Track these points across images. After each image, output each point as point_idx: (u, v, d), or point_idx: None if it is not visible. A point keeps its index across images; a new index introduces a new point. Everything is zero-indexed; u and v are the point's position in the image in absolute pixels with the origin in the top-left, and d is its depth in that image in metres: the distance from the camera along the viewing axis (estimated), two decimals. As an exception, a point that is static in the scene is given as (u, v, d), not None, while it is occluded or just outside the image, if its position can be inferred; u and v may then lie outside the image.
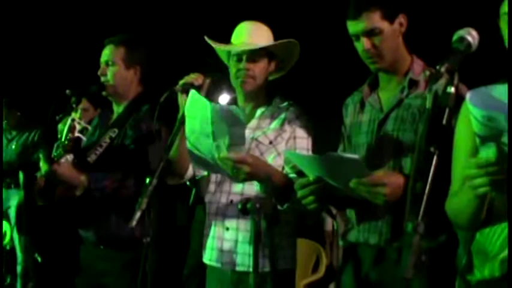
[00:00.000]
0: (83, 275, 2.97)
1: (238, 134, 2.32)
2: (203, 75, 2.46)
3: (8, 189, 5.41)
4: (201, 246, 2.69)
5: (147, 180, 2.19)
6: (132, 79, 2.95)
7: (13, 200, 5.42)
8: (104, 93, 2.94)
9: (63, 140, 2.70)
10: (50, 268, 3.86)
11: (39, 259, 6.25)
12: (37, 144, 5.29)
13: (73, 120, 2.72)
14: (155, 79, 3.03)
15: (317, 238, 4.78)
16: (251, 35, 2.57)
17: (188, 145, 2.38)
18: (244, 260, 2.47)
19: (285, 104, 2.60)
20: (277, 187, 2.34)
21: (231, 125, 2.30)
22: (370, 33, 2.11)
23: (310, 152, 2.46)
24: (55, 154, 2.69)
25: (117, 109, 2.99)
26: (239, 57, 2.54)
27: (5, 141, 5.42)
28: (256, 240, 1.96)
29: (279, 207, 2.33)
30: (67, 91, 2.87)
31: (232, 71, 2.58)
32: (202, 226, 4.29)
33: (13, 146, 5.50)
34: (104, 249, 2.88)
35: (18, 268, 5.42)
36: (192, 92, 2.34)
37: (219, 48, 2.63)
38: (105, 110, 3.12)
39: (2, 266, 3.39)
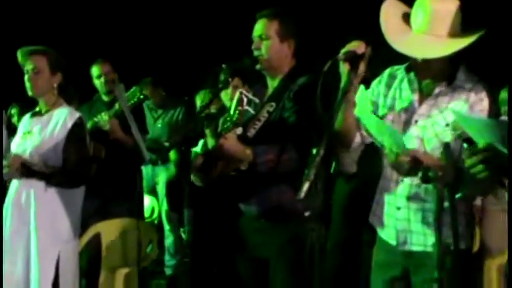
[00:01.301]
0: (243, 249, 3.02)
1: (398, 144, 2.26)
2: (365, 44, 2.38)
3: (154, 165, 5.65)
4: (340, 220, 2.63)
5: (314, 150, 2.17)
6: (287, 52, 2.93)
7: (160, 176, 5.65)
8: (257, 66, 2.94)
9: (231, 113, 2.71)
10: (208, 243, 3.95)
11: (183, 236, 6.49)
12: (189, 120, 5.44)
13: (241, 93, 2.72)
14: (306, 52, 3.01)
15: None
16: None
17: (357, 112, 2.34)
18: (419, 239, 2.40)
19: (469, 84, 2.35)
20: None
21: (390, 138, 2.25)
22: None
23: None
24: (224, 127, 2.70)
25: (272, 83, 2.99)
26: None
27: (151, 120, 5.64)
28: (439, 209, 1.89)
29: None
30: (223, 65, 2.91)
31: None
32: (342, 199, 4.32)
33: (159, 125, 5.71)
34: (266, 223, 2.89)
35: (166, 242, 5.68)
36: (361, 87, 2.32)
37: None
38: (257, 85, 3.13)
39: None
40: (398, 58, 2.44)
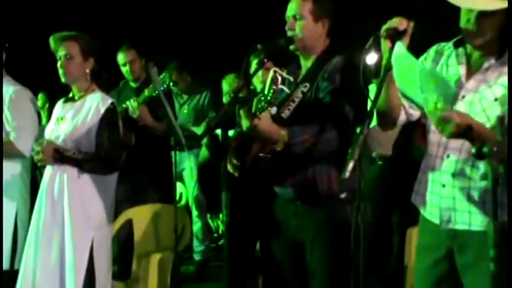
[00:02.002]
0: (278, 232, 3.00)
1: (446, 97, 2.18)
2: (407, 20, 2.34)
3: (180, 151, 5.64)
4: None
5: (358, 129, 2.14)
6: (321, 32, 2.90)
7: (187, 162, 5.65)
8: (291, 47, 2.91)
9: (266, 92, 2.67)
10: (242, 227, 3.95)
11: (219, 224, 6.51)
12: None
13: (275, 71, 2.68)
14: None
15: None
16: None
17: (395, 71, 2.29)
18: (464, 218, 2.35)
19: None
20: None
21: (438, 88, 2.17)
22: None
23: None
24: (258, 107, 2.67)
25: (305, 63, 2.95)
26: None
27: (177, 105, 5.62)
28: (495, 186, 1.84)
29: None
30: (258, 46, 2.87)
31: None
32: (372, 182, 4.28)
33: (185, 110, 5.70)
34: (301, 205, 2.88)
35: (194, 228, 5.68)
36: (398, 44, 2.24)
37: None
38: (291, 66, 3.09)
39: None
40: (442, 34, 2.40)
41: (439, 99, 2.15)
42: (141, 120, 4.42)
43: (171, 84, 4.35)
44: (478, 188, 2.30)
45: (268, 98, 2.64)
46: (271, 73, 2.68)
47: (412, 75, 2.21)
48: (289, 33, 2.89)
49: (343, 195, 2.80)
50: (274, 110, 2.65)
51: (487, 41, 2.30)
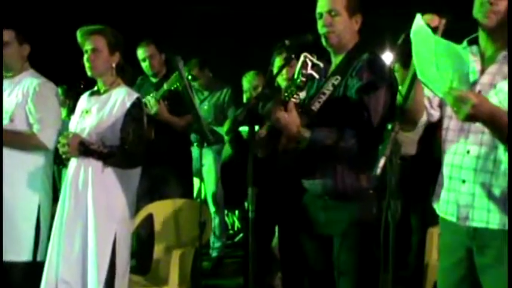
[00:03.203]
0: (307, 227, 3.02)
1: (462, 75, 2.14)
2: (439, 16, 2.33)
3: (202, 147, 5.66)
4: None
5: (390, 126, 2.14)
6: (355, 28, 2.91)
7: (207, 158, 5.65)
8: (324, 43, 2.90)
9: (295, 77, 2.65)
10: (264, 223, 3.95)
11: (235, 220, 6.51)
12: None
13: (305, 56, 2.67)
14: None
15: None
16: None
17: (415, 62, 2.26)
18: (481, 216, 2.34)
19: None
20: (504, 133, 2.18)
21: (454, 60, 2.13)
22: None
23: None
24: (287, 93, 2.66)
25: (335, 60, 2.96)
26: None
27: (197, 101, 5.63)
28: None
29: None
30: (286, 41, 2.87)
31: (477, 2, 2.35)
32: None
33: (205, 106, 5.71)
34: (329, 200, 2.89)
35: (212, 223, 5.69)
36: (418, 16, 2.21)
37: None
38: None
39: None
40: (473, 31, 2.40)
41: (454, 76, 2.12)
42: (159, 116, 4.44)
43: (189, 78, 4.34)
44: (499, 185, 2.29)
45: (298, 82, 2.63)
46: (301, 58, 2.67)
47: (429, 52, 2.16)
48: (325, 30, 2.87)
49: (372, 192, 2.80)
50: (303, 94, 2.65)
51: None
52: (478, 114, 2.10)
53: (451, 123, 2.45)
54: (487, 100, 2.16)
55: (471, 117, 2.12)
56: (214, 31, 6.48)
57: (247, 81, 5.07)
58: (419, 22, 2.19)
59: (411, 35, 2.22)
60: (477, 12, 2.32)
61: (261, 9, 6.11)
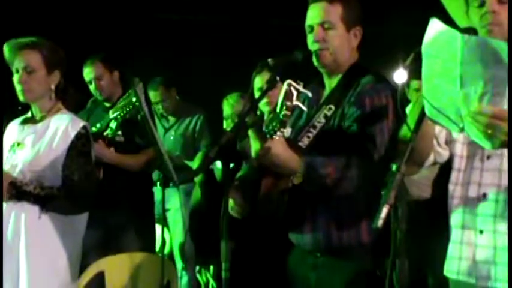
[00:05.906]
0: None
1: (499, 78, 2.03)
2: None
3: (166, 187, 5.63)
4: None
5: (394, 167, 2.12)
6: (353, 44, 2.92)
7: (172, 201, 5.61)
8: (316, 62, 2.90)
9: (278, 110, 2.63)
10: (244, 283, 3.93)
11: (209, 278, 6.47)
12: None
13: (289, 84, 2.63)
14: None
15: None
16: None
17: (424, 92, 2.24)
18: (505, 274, 2.31)
19: None
20: None
21: (488, 65, 2.06)
22: None
23: None
24: (269, 128, 2.64)
25: (330, 83, 2.96)
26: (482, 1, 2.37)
27: (161, 130, 5.62)
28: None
29: None
30: (269, 60, 2.87)
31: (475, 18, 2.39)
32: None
33: (171, 136, 5.70)
34: (322, 258, 2.89)
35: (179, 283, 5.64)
36: (433, 21, 2.18)
37: None
38: (310, 85, 3.09)
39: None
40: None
41: (488, 88, 2.04)
42: (100, 159, 4.10)
43: (136, 104, 4.01)
44: None
45: (281, 116, 2.61)
46: (284, 86, 2.65)
47: (451, 63, 2.09)
48: (317, 46, 2.87)
49: (373, 246, 2.79)
50: (288, 131, 2.63)
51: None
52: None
53: (455, 163, 2.49)
54: None
55: (505, 144, 2.07)
56: (190, 43, 6.50)
57: (229, 106, 5.05)
58: (436, 26, 2.13)
59: (422, 49, 2.20)
60: (480, 28, 2.37)
61: (250, 16, 6.15)
